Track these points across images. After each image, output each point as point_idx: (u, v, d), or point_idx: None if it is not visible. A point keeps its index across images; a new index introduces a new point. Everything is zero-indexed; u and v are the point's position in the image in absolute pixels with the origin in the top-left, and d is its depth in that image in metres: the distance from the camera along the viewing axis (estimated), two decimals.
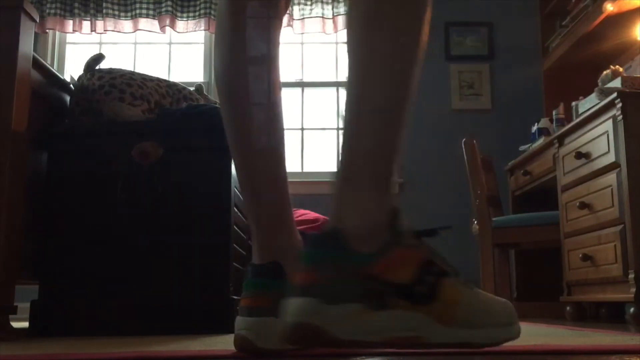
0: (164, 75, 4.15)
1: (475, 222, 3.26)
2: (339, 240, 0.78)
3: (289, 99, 4.12)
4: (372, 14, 0.83)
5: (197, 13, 4.04)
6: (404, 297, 0.77)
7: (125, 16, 4.02)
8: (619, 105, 2.41)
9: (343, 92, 4.14)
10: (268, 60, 0.90)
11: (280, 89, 0.99)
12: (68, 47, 4.22)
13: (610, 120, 2.48)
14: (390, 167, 0.82)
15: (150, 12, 4.02)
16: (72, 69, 4.18)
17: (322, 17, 4.01)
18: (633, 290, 2.30)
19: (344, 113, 0.84)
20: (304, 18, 4.02)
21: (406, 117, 0.84)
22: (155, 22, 4.01)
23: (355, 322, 0.74)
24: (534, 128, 3.57)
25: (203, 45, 4.21)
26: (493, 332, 0.81)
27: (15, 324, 1.61)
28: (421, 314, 0.77)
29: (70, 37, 4.21)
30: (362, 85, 0.82)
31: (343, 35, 4.18)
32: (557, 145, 3.02)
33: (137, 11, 4.00)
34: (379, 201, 0.81)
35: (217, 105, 1.97)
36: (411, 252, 0.79)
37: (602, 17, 3.11)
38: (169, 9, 3.98)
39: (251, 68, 0.89)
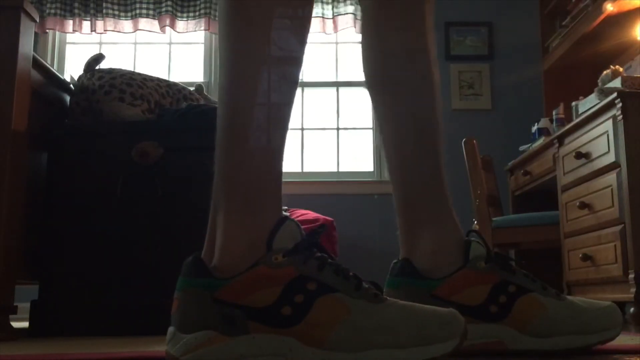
0: (164, 75, 4.14)
1: (475, 222, 3.26)
2: (198, 267, 0.76)
3: None
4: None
5: (197, 13, 4.04)
6: (265, 320, 0.71)
7: (125, 16, 4.02)
8: (619, 105, 2.41)
9: (343, 92, 4.16)
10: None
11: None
12: (68, 47, 4.22)
13: (610, 120, 2.48)
14: (250, 185, 0.81)
15: (150, 12, 4.02)
16: (72, 69, 4.18)
17: (322, 17, 4.01)
18: (633, 290, 2.30)
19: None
20: None
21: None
22: (155, 22, 4.01)
23: (207, 350, 0.70)
24: (534, 128, 3.57)
25: (203, 45, 4.21)
26: (381, 354, 0.71)
27: (15, 324, 1.61)
28: (286, 337, 0.71)
29: (70, 37, 4.21)
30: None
31: (343, 35, 4.18)
32: (557, 145, 3.02)
33: (137, 11, 4.00)
34: (244, 226, 0.79)
35: (217, 105, 1.97)
36: (273, 272, 0.73)
37: (602, 17, 3.11)
38: (169, 9, 3.98)
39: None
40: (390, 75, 1.01)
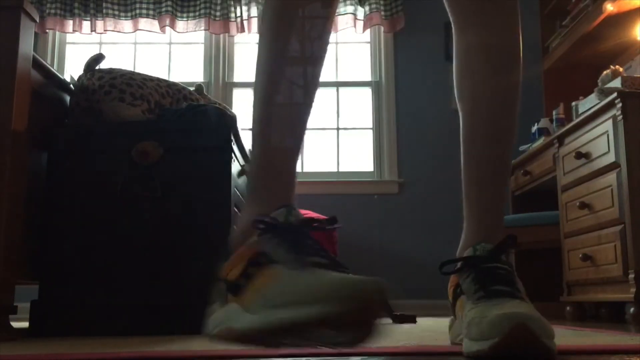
0: (164, 75, 4.15)
1: None
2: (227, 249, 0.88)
3: None
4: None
5: (197, 13, 4.04)
6: (232, 291, 0.81)
7: (125, 16, 4.02)
8: (619, 105, 2.41)
9: (343, 92, 4.16)
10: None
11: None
12: (68, 47, 4.22)
13: (610, 120, 2.48)
14: (262, 180, 0.91)
15: (150, 12, 4.02)
16: (72, 69, 4.18)
17: None
18: (633, 290, 2.30)
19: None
20: None
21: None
22: (155, 22, 4.01)
23: (210, 319, 0.83)
24: (534, 128, 3.57)
25: (203, 45, 4.21)
26: (269, 313, 0.70)
27: (15, 324, 1.61)
28: (234, 304, 0.79)
29: (70, 37, 4.21)
30: None
31: (343, 35, 4.18)
32: (557, 145, 3.02)
33: (137, 11, 4.01)
34: (251, 210, 0.89)
35: (217, 105, 1.97)
36: (245, 250, 0.82)
37: (602, 17, 3.12)
38: (169, 9, 3.98)
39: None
40: (488, 72, 1.04)
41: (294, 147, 0.90)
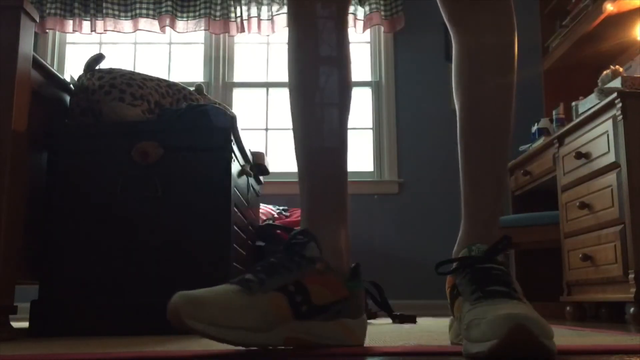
0: (164, 75, 4.15)
1: None
2: None
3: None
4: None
5: (197, 13, 4.04)
6: None
7: (125, 16, 4.02)
8: (619, 105, 2.41)
9: None
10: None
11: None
12: (68, 47, 4.22)
13: (610, 120, 2.48)
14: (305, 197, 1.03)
15: (150, 12, 4.02)
16: (72, 69, 4.18)
17: None
18: (633, 290, 2.30)
19: None
20: None
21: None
22: (155, 22, 4.01)
23: None
24: (534, 128, 3.57)
25: (203, 45, 4.21)
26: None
27: (15, 324, 1.61)
28: None
29: (70, 37, 4.21)
30: None
31: None
32: (557, 145, 3.02)
33: (137, 11, 4.00)
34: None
35: (217, 105, 1.97)
36: None
37: (602, 17, 3.12)
38: (169, 9, 3.98)
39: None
40: (483, 72, 1.04)
41: (333, 152, 0.97)
